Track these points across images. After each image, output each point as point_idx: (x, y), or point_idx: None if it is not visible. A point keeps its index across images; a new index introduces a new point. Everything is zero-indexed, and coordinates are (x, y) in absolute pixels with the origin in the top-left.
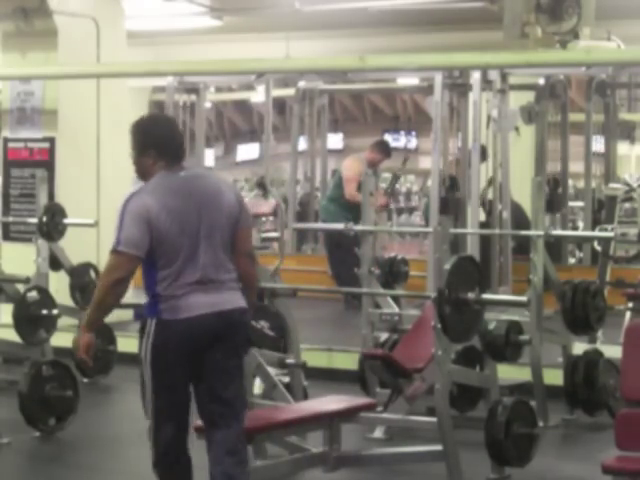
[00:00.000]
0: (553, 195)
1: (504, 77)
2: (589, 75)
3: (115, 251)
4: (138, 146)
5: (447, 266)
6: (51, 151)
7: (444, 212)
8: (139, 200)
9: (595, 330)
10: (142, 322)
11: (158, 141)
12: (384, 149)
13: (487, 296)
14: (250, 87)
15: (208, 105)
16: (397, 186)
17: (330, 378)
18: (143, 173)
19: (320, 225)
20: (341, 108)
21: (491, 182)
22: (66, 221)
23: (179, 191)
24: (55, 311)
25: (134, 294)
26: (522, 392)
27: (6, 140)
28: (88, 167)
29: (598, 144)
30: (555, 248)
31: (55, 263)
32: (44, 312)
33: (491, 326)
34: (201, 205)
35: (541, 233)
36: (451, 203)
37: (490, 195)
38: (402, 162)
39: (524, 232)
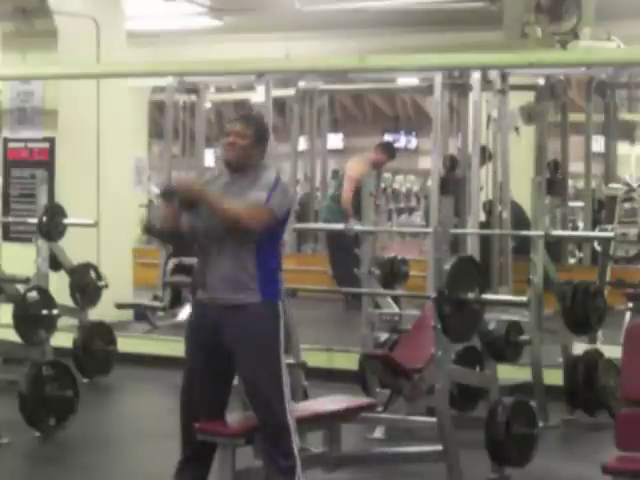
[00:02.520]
0: (553, 177)
1: (504, 77)
2: (589, 75)
3: (268, 209)
4: (255, 136)
5: (447, 266)
6: (51, 151)
7: (444, 192)
8: None
9: (595, 330)
10: (265, 306)
11: (267, 139)
12: (389, 150)
13: (487, 296)
14: (250, 87)
15: (208, 105)
16: (396, 186)
17: (330, 378)
18: (243, 162)
19: (320, 225)
20: (341, 108)
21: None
22: (66, 221)
23: None
24: (55, 311)
25: (134, 294)
26: (522, 392)
27: (6, 140)
28: (88, 167)
29: (598, 144)
30: (555, 248)
31: (55, 263)
32: (44, 312)
33: (491, 326)
34: None
35: (541, 233)
36: (451, 183)
37: (490, 195)
38: None
39: (524, 232)
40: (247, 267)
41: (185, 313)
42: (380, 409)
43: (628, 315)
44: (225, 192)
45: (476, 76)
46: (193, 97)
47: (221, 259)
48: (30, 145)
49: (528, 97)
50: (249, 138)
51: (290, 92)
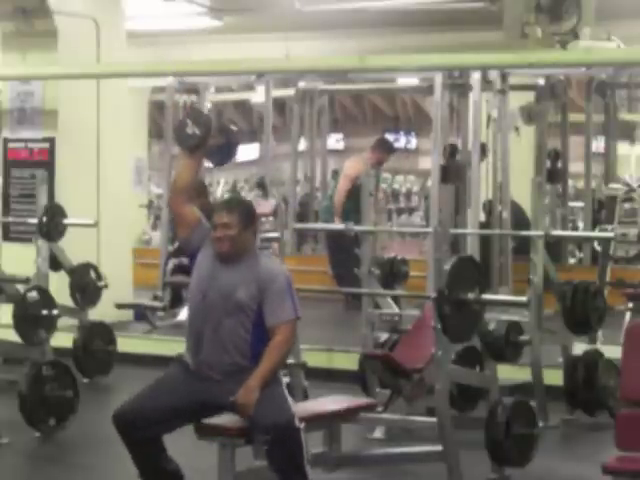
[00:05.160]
0: (554, 167)
1: (504, 77)
2: (589, 75)
3: (297, 318)
4: (242, 222)
5: (447, 266)
6: (51, 151)
7: (445, 180)
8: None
9: (595, 330)
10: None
11: (255, 220)
12: (385, 146)
13: (487, 296)
14: (250, 87)
15: (208, 105)
16: (397, 186)
17: (330, 378)
18: (236, 252)
19: (320, 225)
20: (341, 108)
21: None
22: (66, 221)
23: None
24: (55, 311)
25: (134, 294)
26: (522, 392)
27: (6, 140)
28: (88, 167)
29: (598, 144)
30: (555, 248)
31: (55, 263)
32: (44, 312)
33: (491, 326)
34: None
35: (541, 233)
36: (452, 171)
37: (490, 195)
38: None
39: (524, 232)
40: (242, 346)
41: (185, 313)
42: (380, 409)
43: (628, 315)
44: (217, 275)
45: (476, 76)
46: (193, 97)
47: (216, 337)
48: (30, 145)
49: (528, 97)
50: (236, 227)
51: (290, 92)
